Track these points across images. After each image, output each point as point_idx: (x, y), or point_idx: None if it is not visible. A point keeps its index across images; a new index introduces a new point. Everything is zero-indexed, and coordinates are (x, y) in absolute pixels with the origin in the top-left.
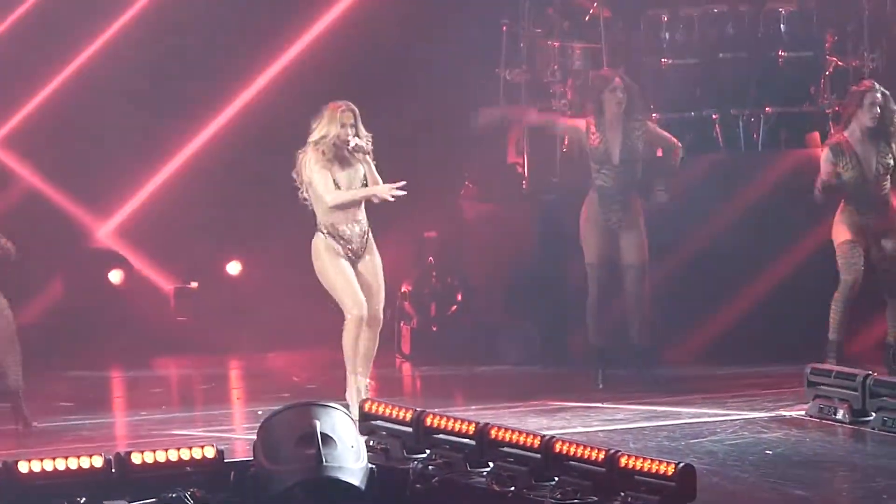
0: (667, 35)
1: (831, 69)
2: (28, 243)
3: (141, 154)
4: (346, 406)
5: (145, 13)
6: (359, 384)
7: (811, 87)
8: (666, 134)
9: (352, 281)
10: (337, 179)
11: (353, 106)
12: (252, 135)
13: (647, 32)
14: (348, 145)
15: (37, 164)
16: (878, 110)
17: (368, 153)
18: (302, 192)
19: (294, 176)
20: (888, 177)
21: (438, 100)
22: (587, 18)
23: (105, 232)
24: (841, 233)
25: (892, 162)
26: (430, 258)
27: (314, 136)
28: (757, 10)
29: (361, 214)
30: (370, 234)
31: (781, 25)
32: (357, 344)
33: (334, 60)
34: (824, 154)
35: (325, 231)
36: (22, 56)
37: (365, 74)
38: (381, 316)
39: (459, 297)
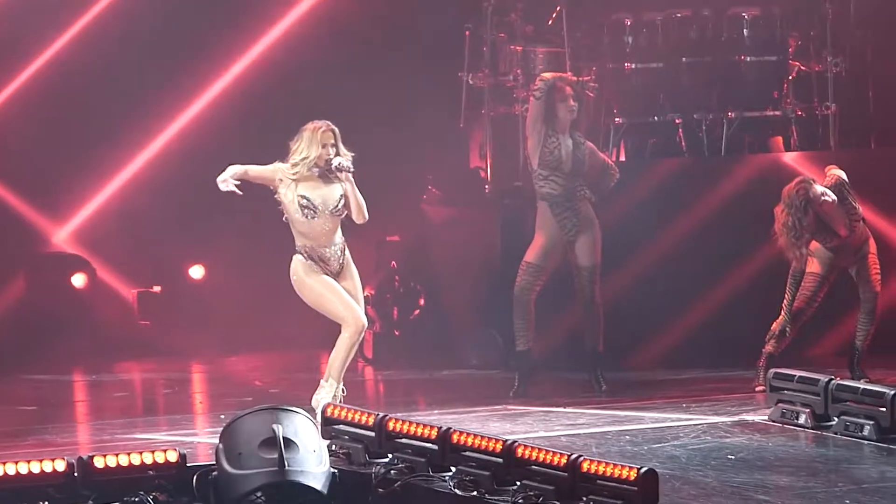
0: (630, 39)
1: (794, 74)
2: None
3: (100, 157)
4: (311, 410)
5: (102, 16)
6: (337, 391)
7: (774, 91)
8: (604, 156)
9: (340, 292)
10: (312, 199)
11: (332, 126)
12: (213, 137)
13: (611, 37)
14: (330, 165)
15: None
16: None
17: (351, 172)
18: (284, 216)
19: (276, 196)
20: None
21: (399, 103)
22: (550, 23)
23: (63, 236)
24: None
25: None
26: (393, 262)
27: (294, 158)
28: (720, 14)
29: (338, 236)
30: (347, 251)
31: (745, 30)
32: (351, 353)
33: (294, 64)
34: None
35: (304, 254)
36: None
37: (326, 78)
38: (365, 323)
39: (422, 302)
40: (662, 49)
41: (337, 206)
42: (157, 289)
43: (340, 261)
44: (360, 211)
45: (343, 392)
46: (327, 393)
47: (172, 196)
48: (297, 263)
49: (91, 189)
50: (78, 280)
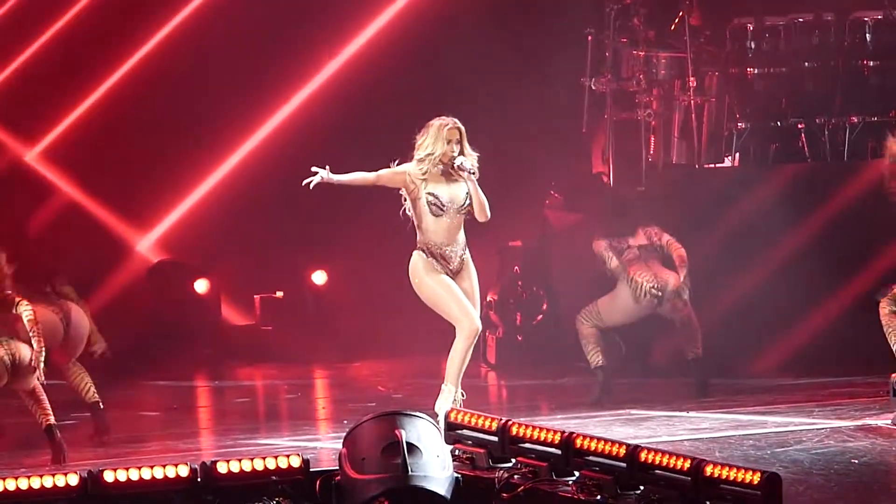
0: (752, 44)
1: None
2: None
3: (203, 160)
4: (434, 416)
5: (185, 27)
6: (456, 395)
7: None
8: None
9: (458, 294)
10: (441, 197)
11: (459, 123)
12: (340, 138)
13: (733, 41)
14: (453, 163)
15: (78, 176)
16: None
17: (474, 173)
18: (405, 209)
19: (401, 193)
20: None
21: (523, 111)
22: (672, 28)
23: (147, 243)
24: None
25: None
26: (516, 267)
27: (419, 153)
28: (843, 18)
29: (461, 235)
30: (468, 252)
31: (867, 34)
32: (467, 356)
33: (407, 61)
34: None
35: (426, 251)
36: (63, 69)
37: (446, 79)
38: (480, 328)
39: (545, 307)
40: (785, 54)
41: (464, 204)
42: (279, 294)
43: (461, 260)
44: (482, 209)
45: (462, 396)
46: (446, 398)
47: (296, 201)
48: (418, 260)
49: (191, 196)
50: (200, 286)
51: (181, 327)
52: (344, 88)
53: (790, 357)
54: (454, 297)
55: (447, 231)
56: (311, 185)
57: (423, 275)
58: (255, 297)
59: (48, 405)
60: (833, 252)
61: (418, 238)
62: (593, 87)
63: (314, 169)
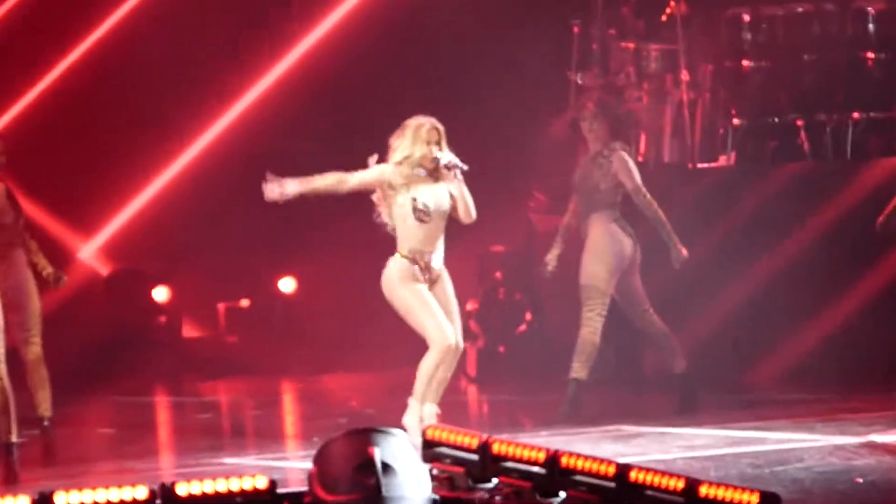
0: (749, 35)
1: None
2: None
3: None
4: (405, 432)
5: (131, 17)
6: (423, 412)
7: None
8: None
9: (434, 308)
10: (426, 202)
11: (438, 124)
12: (306, 132)
13: (728, 33)
14: (436, 163)
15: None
16: None
17: (465, 169)
18: (379, 214)
19: (373, 198)
20: None
21: (505, 106)
22: (664, 18)
23: (90, 250)
24: None
25: None
26: (498, 274)
27: (396, 156)
28: (844, 9)
29: (441, 240)
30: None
31: (870, 25)
32: (437, 373)
33: (382, 58)
34: None
35: (407, 255)
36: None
37: (422, 77)
38: (462, 343)
39: (528, 316)
40: (783, 46)
41: (448, 207)
42: (244, 302)
43: (440, 268)
44: (468, 210)
45: (436, 412)
46: (412, 414)
47: (261, 200)
48: (398, 267)
49: (156, 198)
50: (160, 294)
51: (139, 339)
52: (307, 78)
53: (789, 369)
54: (429, 309)
55: (430, 236)
56: (268, 199)
57: (397, 283)
58: (218, 305)
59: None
60: (836, 258)
61: (399, 244)
62: (580, 82)
63: (266, 184)
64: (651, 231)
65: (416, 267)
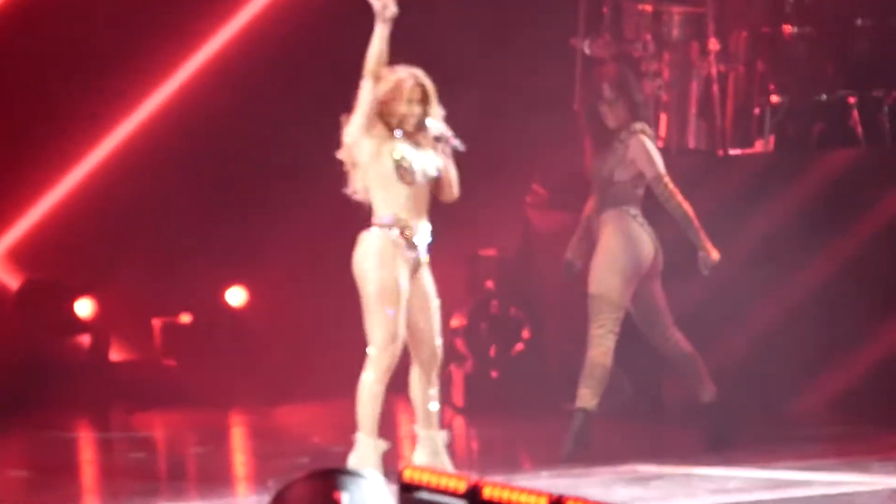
0: None
1: None
2: None
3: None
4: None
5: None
6: (378, 447)
7: None
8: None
9: (398, 325)
10: (413, 161)
11: (424, 79)
12: (246, 149)
13: None
14: (421, 128)
15: None
16: None
17: (459, 148)
18: (352, 183)
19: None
20: None
21: (496, 82)
22: None
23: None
24: None
25: None
26: (489, 283)
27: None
28: None
29: (426, 220)
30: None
31: None
32: (378, 395)
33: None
34: None
35: (391, 223)
36: None
37: (403, 46)
38: (440, 351)
39: (526, 334)
40: (831, 8)
41: (433, 174)
42: (185, 318)
43: (425, 248)
44: (451, 187)
45: (384, 446)
46: (363, 451)
47: (205, 197)
48: (380, 239)
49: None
50: (83, 309)
51: (58, 363)
52: (257, 52)
53: (839, 398)
54: (391, 323)
55: (417, 205)
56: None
57: (377, 263)
58: (153, 321)
59: None
60: (894, 263)
61: (377, 215)
62: (587, 52)
63: None
64: (674, 229)
65: (404, 240)
